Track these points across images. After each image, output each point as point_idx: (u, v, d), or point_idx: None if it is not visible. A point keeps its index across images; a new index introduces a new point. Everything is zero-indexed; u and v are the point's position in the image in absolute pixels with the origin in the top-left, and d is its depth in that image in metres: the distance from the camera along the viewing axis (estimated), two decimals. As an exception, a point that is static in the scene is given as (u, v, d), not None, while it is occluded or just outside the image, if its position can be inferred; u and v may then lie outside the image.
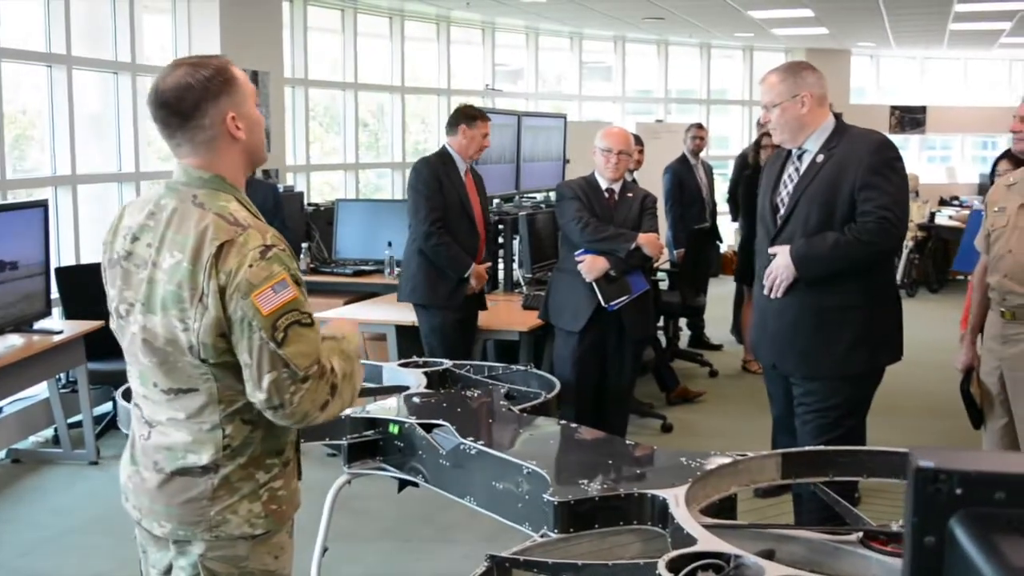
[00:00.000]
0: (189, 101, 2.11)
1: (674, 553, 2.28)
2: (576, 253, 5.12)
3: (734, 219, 8.95)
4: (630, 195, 5.29)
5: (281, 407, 2.07)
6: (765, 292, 3.90)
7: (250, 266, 2.04)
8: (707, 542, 2.33)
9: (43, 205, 5.76)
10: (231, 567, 2.19)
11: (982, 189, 13.13)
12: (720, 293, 9.41)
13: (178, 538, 2.19)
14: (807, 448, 3.16)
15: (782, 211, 3.88)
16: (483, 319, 5.81)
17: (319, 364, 2.11)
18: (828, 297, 3.80)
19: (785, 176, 3.92)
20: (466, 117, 5.53)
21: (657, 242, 5.20)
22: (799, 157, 3.88)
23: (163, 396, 2.17)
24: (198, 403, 2.14)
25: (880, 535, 2.44)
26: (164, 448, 2.19)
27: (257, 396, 2.07)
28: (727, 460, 2.93)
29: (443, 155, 5.54)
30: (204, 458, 2.15)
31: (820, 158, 3.80)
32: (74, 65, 6.89)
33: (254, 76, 8.19)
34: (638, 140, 7.56)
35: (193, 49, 8.03)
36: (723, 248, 9.31)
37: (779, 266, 3.81)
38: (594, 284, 5.08)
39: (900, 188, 3.77)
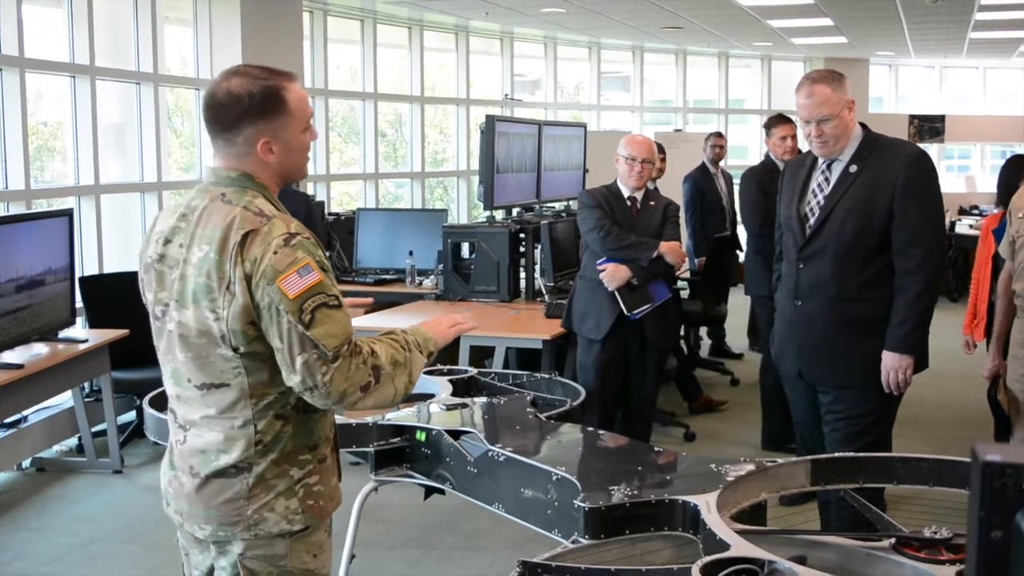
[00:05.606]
0: (229, 116, 2.17)
1: (708, 559, 2.27)
2: (598, 262, 5.10)
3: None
4: (652, 203, 5.27)
5: (315, 387, 2.09)
6: (895, 394, 3.85)
7: (275, 253, 2.08)
8: (740, 548, 2.32)
9: (68, 215, 5.80)
10: (270, 566, 2.21)
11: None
12: (740, 302, 9.37)
13: (218, 539, 2.22)
14: (837, 455, 3.15)
15: (812, 220, 3.83)
16: (505, 327, 5.84)
17: (350, 343, 2.13)
18: (862, 307, 3.79)
19: (813, 185, 3.86)
20: (766, 126, 6.52)
21: (679, 250, 5.18)
22: (828, 166, 3.84)
23: (196, 392, 2.20)
24: (230, 398, 2.17)
25: (913, 541, 2.43)
26: (199, 451, 2.22)
27: (292, 379, 2.10)
28: (756, 466, 2.92)
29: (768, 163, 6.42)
30: (235, 456, 2.17)
31: (853, 168, 3.76)
32: (97, 76, 6.93)
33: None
34: (660, 149, 7.56)
35: (214, 60, 8.06)
36: (742, 257, 9.28)
37: (894, 368, 3.75)
38: (616, 293, 5.07)
39: (936, 205, 3.79)
